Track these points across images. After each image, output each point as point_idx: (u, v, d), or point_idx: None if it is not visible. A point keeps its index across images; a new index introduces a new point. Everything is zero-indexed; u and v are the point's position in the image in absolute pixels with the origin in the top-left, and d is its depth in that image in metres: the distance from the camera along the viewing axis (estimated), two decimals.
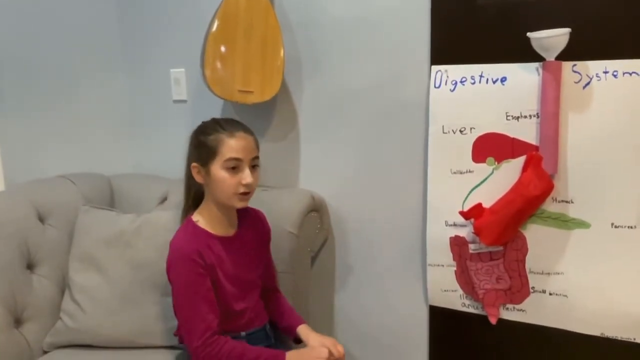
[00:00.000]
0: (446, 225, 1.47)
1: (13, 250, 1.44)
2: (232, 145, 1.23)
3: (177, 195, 1.66)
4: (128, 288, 1.44)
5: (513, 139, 1.36)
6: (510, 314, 1.46)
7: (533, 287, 1.41)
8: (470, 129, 1.40)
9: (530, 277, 1.41)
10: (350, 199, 1.65)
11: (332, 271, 1.73)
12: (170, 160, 1.91)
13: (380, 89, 1.54)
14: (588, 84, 1.27)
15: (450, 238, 1.48)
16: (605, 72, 1.25)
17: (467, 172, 1.42)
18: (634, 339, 1.32)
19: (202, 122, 1.33)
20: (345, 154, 1.63)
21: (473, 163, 1.41)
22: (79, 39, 1.83)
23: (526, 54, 1.29)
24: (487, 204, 1.39)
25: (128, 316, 1.43)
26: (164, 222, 1.49)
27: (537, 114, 1.32)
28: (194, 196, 1.34)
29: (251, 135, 1.28)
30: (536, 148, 1.33)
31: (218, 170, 1.23)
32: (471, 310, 1.51)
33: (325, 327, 1.77)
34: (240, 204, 1.27)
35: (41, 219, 1.55)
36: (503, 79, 1.35)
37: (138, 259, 1.46)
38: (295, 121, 1.70)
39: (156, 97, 1.93)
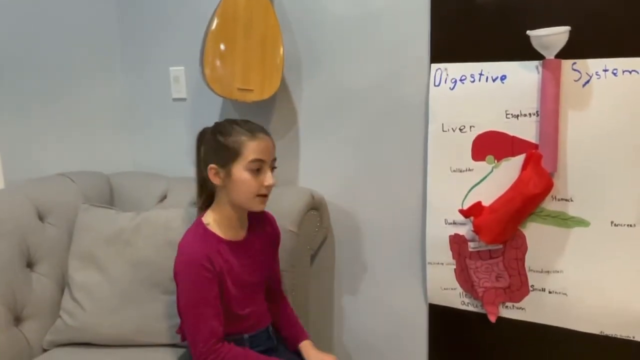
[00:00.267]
0: (446, 224, 1.48)
1: (13, 249, 1.44)
2: (255, 147, 1.21)
3: (177, 194, 1.67)
4: (128, 286, 1.44)
5: (513, 137, 1.36)
6: (510, 312, 1.46)
7: (532, 286, 1.41)
8: (470, 127, 1.40)
9: (529, 275, 1.41)
10: (350, 197, 1.65)
11: (332, 269, 1.74)
12: (170, 158, 1.93)
13: (380, 87, 1.54)
14: (588, 82, 1.27)
15: (450, 236, 1.48)
16: (605, 70, 1.25)
17: (466, 170, 1.42)
18: (633, 337, 1.32)
19: (216, 123, 1.28)
20: (345, 152, 1.63)
21: (473, 161, 1.41)
22: (78, 35, 1.83)
23: (526, 52, 1.29)
24: (486, 202, 1.39)
25: (128, 314, 1.43)
26: (164, 220, 1.49)
27: (537, 112, 1.32)
28: (207, 197, 1.32)
29: (270, 137, 1.26)
30: (536, 146, 1.33)
31: (241, 171, 1.21)
32: (471, 308, 1.51)
33: (324, 325, 1.77)
34: (259, 207, 1.26)
35: (41, 217, 1.54)
36: (503, 77, 1.35)
37: (138, 257, 1.46)
38: (295, 119, 1.70)
39: (156, 95, 1.93)
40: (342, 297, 1.74)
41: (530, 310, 1.43)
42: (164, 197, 1.71)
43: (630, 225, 1.28)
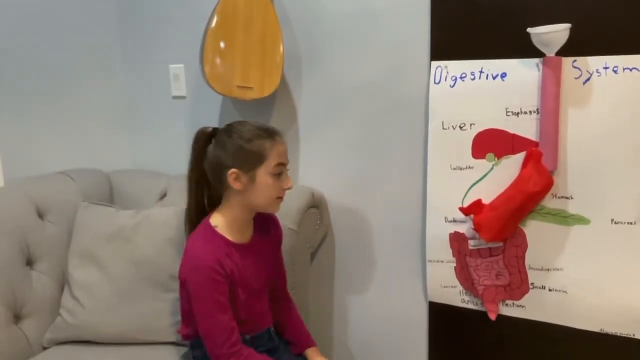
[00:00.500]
0: (446, 221, 1.47)
1: (12, 247, 1.44)
2: (278, 151, 1.22)
3: (177, 192, 1.66)
4: (127, 284, 1.44)
5: (513, 134, 1.36)
6: (510, 310, 1.46)
7: (532, 283, 1.41)
8: (470, 124, 1.40)
9: (529, 273, 1.41)
10: (350, 195, 1.65)
11: (332, 267, 1.74)
12: (170, 156, 1.92)
13: (380, 85, 1.54)
14: (588, 79, 1.26)
15: (450, 234, 1.48)
16: (606, 68, 1.25)
17: (466, 168, 1.42)
18: (634, 335, 1.32)
19: (229, 125, 1.25)
20: (345, 150, 1.63)
21: (473, 159, 1.41)
22: (78, 33, 1.83)
23: (526, 49, 1.29)
24: (486, 200, 1.39)
25: (127, 312, 1.43)
26: (164, 218, 1.49)
27: (537, 109, 1.32)
28: (200, 198, 1.31)
29: (283, 138, 1.27)
30: (536, 144, 1.33)
31: (265, 176, 1.21)
32: (471, 306, 1.51)
33: (324, 323, 1.77)
34: (277, 209, 1.28)
35: (40, 215, 1.54)
36: (503, 75, 1.35)
37: (137, 255, 1.46)
38: (295, 117, 1.69)
39: (155, 93, 1.93)
40: (342, 294, 1.74)
41: (530, 308, 1.43)
42: (163, 195, 1.71)
43: (631, 223, 1.28)
